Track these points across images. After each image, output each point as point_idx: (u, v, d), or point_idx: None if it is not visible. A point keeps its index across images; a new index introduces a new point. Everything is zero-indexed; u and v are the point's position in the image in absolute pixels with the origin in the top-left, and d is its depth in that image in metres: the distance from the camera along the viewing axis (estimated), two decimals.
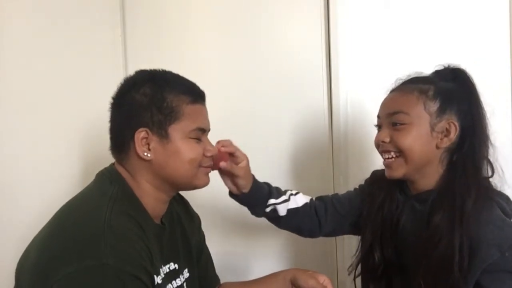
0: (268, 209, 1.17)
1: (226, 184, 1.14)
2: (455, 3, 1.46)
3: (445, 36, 1.46)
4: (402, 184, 1.09)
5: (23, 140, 1.41)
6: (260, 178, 1.53)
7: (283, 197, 1.18)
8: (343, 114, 1.50)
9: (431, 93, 0.99)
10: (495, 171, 1.02)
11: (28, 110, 1.41)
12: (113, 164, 0.97)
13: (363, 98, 1.49)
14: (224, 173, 1.10)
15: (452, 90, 1.00)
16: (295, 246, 1.55)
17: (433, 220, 0.98)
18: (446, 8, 1.46)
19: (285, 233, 1.54)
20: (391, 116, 1.01)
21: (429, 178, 1.02)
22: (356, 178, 1.51)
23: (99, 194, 0.90)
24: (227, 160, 1.07)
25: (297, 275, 1.05)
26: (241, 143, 1.52)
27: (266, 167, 1.53)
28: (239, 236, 1.55)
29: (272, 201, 1.16)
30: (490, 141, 1.01)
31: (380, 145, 1.04)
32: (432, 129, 0.99)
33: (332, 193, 1.52)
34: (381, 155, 1.06)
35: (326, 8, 1.49)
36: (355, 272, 1.17)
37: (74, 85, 1.46)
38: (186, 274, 1.03)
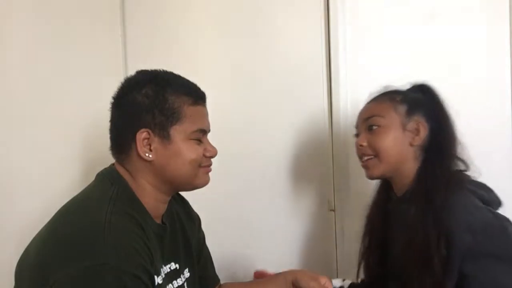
0: None
1: None
2: (455, 3, 1.46)
3: (445, 36, 1.46)
4: (388, 191, 1.17)
5: (23, 140, 1.40)
6: (260, 178, 1.54)
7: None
8: (343, 114, 1.50)
9: (399, 98, 1.11)
10: (468, 166, 1.10)
11: (28, 110, 1.41)
12: (113, 164, 0.97)
13: (363, 98, 1.49)
14: None
15: (419, 98, 1.13)
16: (295, 246, 1.55)
17: (408, 217, 1.06)
18: (446, 8, 1.46)
19: (285, 233, 1.55)
20: (367, 121, 1.12)
21: (407, 176, 1.10)
22: (356, 178, 1.51)
23: (99, 194, 0.90)
24: None
25: (298, 277, 1.05)
26: (241, 143, 1.53)
27: (266, 167, 1.54)
28: (239, 236, 1.55)
29: None
30: (458, 140, 1.10)
31: (358, 150, 1.14)
32: (404, 128, 1.09)
33: (332, 193, 1.53)
34: (360, 159, 1.15)
35: (326, 8, 1.49)
36: (358, 271, 1.24)
37: (74, 85, 1.45)
38: (186, 274, 1.03)
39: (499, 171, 1.46)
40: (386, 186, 1.19)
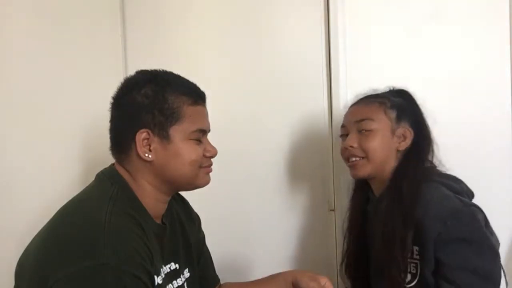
0: None
1: None
2: (455, 3, 1.46)
3: (445, 36, 1.46)
4: (367, 192, 1.23)
5: (23, 140, 1.40)
6: (260, 178, 1.54)
7: None
8: (343, 114, 1.50)
9: (388, 104, 1.17)
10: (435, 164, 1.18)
11: (28, 110, 1.41)
12: (113, 164, 0.97)
13: None
14: None
15: (403, 104, 1.19)
16: (295, 246, 1.55)
17: (380, 208, 1.13)
18: (446, 9, 1.46)
19: (285, 233, 1.55)
20: (359, 123, 1.16)
21: (385, 176, 1.16)
22: None
23: (99, 194, 0.90)
24: None
25: (298, 277, 1.05)
26: (241, 144, 1.53)
27: (266, 167, 1.54)
28: (239, 236, 1.55)
29: None
30: (433, 144, 1.18)
31: (347, 150, 1.17)
32: (393, 133, 1.15)
33: (332, 193, 1.53)
34: (346, 159, 1.19)
35: (326, 8, 1.49)
36: (343, 265, 1.30)
37: (74, 85, 1.45)
38: (186, 274, 1.03)
39: (499, 171, 1.46)
40: (364, 188, 1.24)
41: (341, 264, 1.30)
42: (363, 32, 1.49)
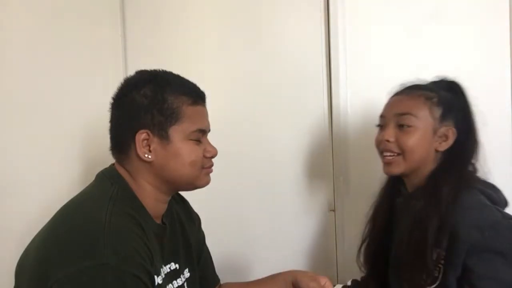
0: None
1: None
2: (455, 3, 1.46)
3: (445, 36, 1.46)
4: (400, 186, 1.16)
5: (23, 140, 1.40)
6: (260, 178, 1.54)
7: None
8: (343, 114, 1.50)
9: (435, 100, 1.07)
10: (478, 170, 1.10)
11: (28, 109, 1.41)
12: (113, 164, 0.97)
13: (363, 98, 1.49)
14: None
15: (452, 100, 1.09)
16: (295, 246, 1.55)
17: (413, 208, 1.07)
18: (446, 9, 1.46)
19: (285, 233, 1.55)
20: (399, 117, 1.08)
21: (422, 175, 1.09)
22: (356, 178, 1.52)
23: (99, 194, 0.90)
24: None
25: (298, 277, 1.05)
26: (241, 144, 1.53)
27: (266, 167, 1.54)
28: (239, 236, 1.55)
29: None
30: (479, 146, 1.10)
31: (382, 143, 1.10)
32: (434, 133, 1.07)
33: (332, 193, 1.53)
34: (381, 153, 1.12)
35: (326, 8, 1.49)
36: (358, 254, 1.25)
37: (74, 85, 1.45)
38: (186, 274, 1.03)
39: (499, 170, 1.45)
40: (397, 181, 1.17)
41: (358, 252, 1.25)
42: (363, 32, 1.49)
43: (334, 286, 1.20)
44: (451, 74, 1.47)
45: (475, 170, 1.10)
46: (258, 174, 1.54)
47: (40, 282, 0.78)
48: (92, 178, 0.97)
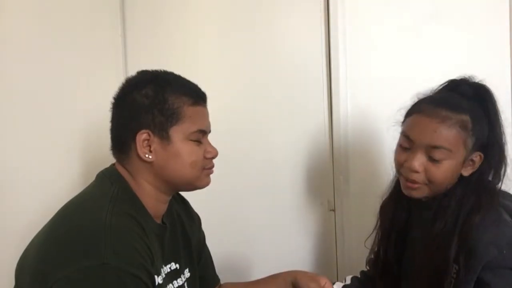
0: None
1: None
2: (455, 3, 1.46)
3: (445, 36, 1.46)
4: None
5: (23, 140, 1.40)
6: (260, 178, 1.54)
7: None
8: (343, 114, 1.50)
9: (469, 126, 0.98)
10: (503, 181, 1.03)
11: (28, 110, 1.41)
12: (114, 164, 0.97)
13: (363, 98, 1.49)
14: None
15: (483, 121, 1.00)
16: (295, 246, 1.55)
17: (434, 229, 1.00)
18: (446, 9, 1.46)
19: (285, 233, 1.55)
20: (432, 150, 0.98)
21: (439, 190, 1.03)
22: (356, 178, 1.52)
23: (99, 194, 0.90)
24: None
25: (298, 277, 1.05)
26: (241, 144, 1.53)
27: (266, 167, 1.54)
28: (239, 236, 1.55)
29: None
30: (506, 160, 1.02)
31: (407, 170, 1.01)
32: (464, 161, 1.00)
33: (332, 193, 1.53)
34: (404, 178, 1.03)
35: (326, 8, 1.49)
36: (371, 261, 1.22)
37: (74, 85, 1.45)
38: (187, 274, 1.03)
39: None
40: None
41: (370, 258, 1.21)
42: (363, 32, 1.49)
43: (333, 283, 1.19)
44: (450, 74, 1.48)
45: (497, 179, 1.03)
46: (258, 174, 1.54)
47: (40, 282, 0.78)
48: (92, 178, 0.97)
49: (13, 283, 0.89)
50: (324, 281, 1.02)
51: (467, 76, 1.04)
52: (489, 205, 0.98)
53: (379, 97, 1.48)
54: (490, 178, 1.02)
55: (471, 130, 0.98)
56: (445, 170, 0.99)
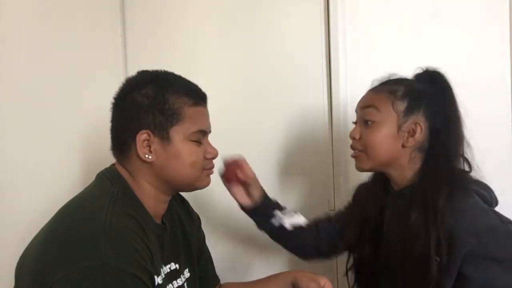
0: (275, 221, 1.20)
1: (238, 197, 1.20)
2: (455, 3, 1.46)
3: (445, 35, 1.46)
4: (385, 183, 1.12)
5: (23, 140, 1.40)
6: (260, 177, 1.53)
7: (289, 211, 1.23)
8: (343, 113, 1.50)
9: (399, 93, 1.04)
10: (472, 166, 1.05)
11: (28, 110, 1.41)
12: (114, 164, 0.97)
13: None
14: (236, 186, 1.18)
15: (423, 91, 1.05)
16: None
17: (409, 220, 1.02)
18: (446, 8, 1.46)
19: None
20: (363, 110, 1.07)
21: (404, 174, 1.06)
22: (356, 178, 1.51)
23: (99, 194, 0.90)
24: (240, 173, 1.15)
25: (298, 278, 1.05)
26: (241, 144, 1.53)
27: (266, 167, 1.54)
28: (239, 236, 1.55)
29: (278, 212, 1.21)
30: (466, 139, 1.05)
31: (352, 141, 1.09)
32: (399, 128, 1.03)
33: (332, 193, 1.53)
34: (352, 148, 1.11)
35: (326, 8, 1.49)
36: (346, 267, 1.22)
37: (74, 85, 1.46)
38: (186, 274, 1.03)
39: (499, 171, 1.45)
40: (383, 178, 1.12)
41: (348, 260, 1.21)
42: (363, 32, 1.49)
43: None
44: (451, 74, 1.48)
45: (470, 168, 1.05)
46: (258, 173, 1.53)
47: (40, 282, 0.78)
48: (92, 178, 0.97)
49: (13, 283, 0.89)
50: (324, 281, 1.02)
51: (427, 66, 1.10)
52: (463, 192, 0.99)
53: None
54: (454, 162, 1.03)
55: (402, 95, 1.03)
56: (377, 133, 1.03)
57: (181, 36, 1.55)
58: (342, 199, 1.51)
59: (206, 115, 0.98)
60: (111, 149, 0.96)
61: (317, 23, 1.51)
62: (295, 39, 1.52)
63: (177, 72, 0.98)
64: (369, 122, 1.05)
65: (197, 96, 0.95)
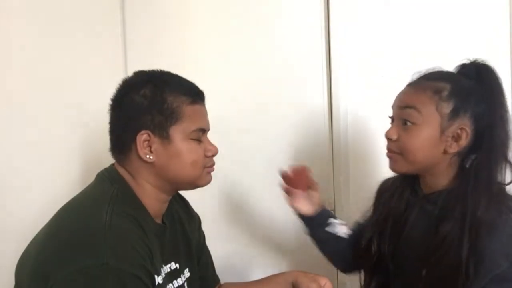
0: (329, 229, 1.17)
1: (301, 205, 1.18)
2: (455, 3, 1.46)
3: (445, 36, 1.46)
4: (414, 183, 1.06)
5: (23, 140, 1.40)
6: (260, 178, 1.54)
7: (340, 220, 1.20)
8: (343, 114, 1.50)
9: (445, 93, 0.94)
10: None
11: (28, 110, 1.41)
12: (113, 164, 0.97)
13: (363, 98, 1.49)
14: (301, 193, 1.17)
15: (470, 90, 0.95)
16: (295, 246, 1.55)
17: (442, 228, 0.94)
18: (446, 8, 1.46)
19: (285, 233, 1.55)
20: (402, 110, 0.97)
21: (439, 179, 0.99)
22: (356, 178, 1.52)
23: (99, 194, 0.90)
24: (306, 182, 1.16)
25: (299, 278, 1.05)
26: (241, 144, 1.53)
27: (266, 167, 1.54)
28: (239, 236, 1.55)
29: (335, 221, 1.18)
30: (510, 144, 0.95)
31: (387, 140, 1.01)
32: (442, 132, 0.94)
33: (332, 193, 1.53)
34: (386, 148, 1.03)
35: (326, 8, 1.49)
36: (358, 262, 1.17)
37: (74, 85, 1.45)
38: (187, 273, 1.03)
39: None
40: (412, 176, 1.05)
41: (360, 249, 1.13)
42: (363, 31, 1.49)
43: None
44: None
45: (502, 179, 0.95)
46: (258, 174, 1.54)
47: (40, 282, 0.78)
48: (92, 178, 0.97)
49: (13, 283, 0.89)
50: (324, 281, 1.02)
51: (475, 58, 1.00)
52: (500, 207, 0.91)
53: (379, 97, 1.47)
54: (496, 171, 0.94)
55: (447, 96, 0.93)
56: (417, 137, 0.94)
57: (181, 36, 1.54)
58: (342, 199, 1.52)
59: (204, 113, 0.98)
60: (110, 150, 0.96)
61: (317, 23, 1.51)
62: (295, 39, 1.52)
63: (177, 72, 0.98)
64: (408, 123, 0.95)
65: (195, 95, 0.95)
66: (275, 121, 1.53)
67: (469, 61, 1.00)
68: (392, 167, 1.02)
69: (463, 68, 1.00)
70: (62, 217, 0.89)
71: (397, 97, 1.01)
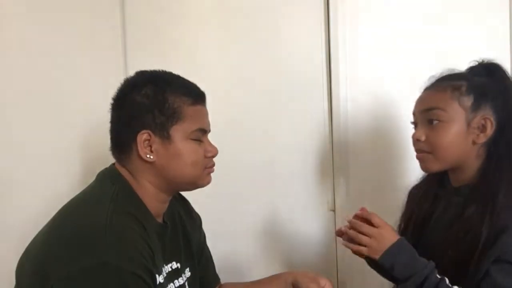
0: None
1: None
2: (455, 3, 1.46)
3: (445, 36, 1.46)
4: (442, 179, 1.09)
5: (23, 140, 1.40)
6: (260, 178, 1.54)
7: None
8: (343, 114, 1.50)
9: (464, 88, 0.99)
10: None
11: (28, 109, 1.41)
12: (114, 164, 0.97)
13: (363, 98, 1.49)
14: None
15: (485, 85, 1.00)
16: (295, 246, 1.55)
17: (465, 214, 0.98)
18: (446, 8, 1.46)
19: (285, 233, 1.55)
20: (427, 112, 1.01)
21: (468, 172, 1.02)
22: (356, 178, 1.52)
23: (100, 194, 0.90)
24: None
25: (299, 278, 1.05)
26: (241, 144, 1.53)
27: (266, 167, 1.54)
28: (239, 236, 1.55)
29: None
30: None
31: (415, 143, 1.04)
32: (469, 125, 0.98)
33: (332, 193, 1.53)
34: (415, 151, 1.05)
35: (326, 8, 1.49)
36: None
37: (74, 85, 1.45)
38: (187, 273, 1.03)
39: None
40: (441, 175, 1.09)
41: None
42: (363, 31, 1.49)
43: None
44: None
45: None
46: (258, 174, 1.54)
47: (41, 282, 0.78)
48: (92, 178, 0.97)
49: (13, 282, 0.89)
50: (324, 281, 1.02)
51: (482, 59, 1.06)
52: None
53: (379, 97, 1.48)
54: None
55: (466, 90, 0.98)
56: (446, 133, 0.98)
57: (181, 36, 1.54)
58: (342, 199, 1.52)
59: (205, 114, 0.98)
60: (111, 150, 0.96)
61: (317, 23, 1.51)
62: (295, 39, 1.52)
63: (177, 72, 0.98)
64: (435, 122, 0.99)
65: (196, 95, 0.96)
66: (275, 121, 1.53)
67: (476, 63, 1.06)
68: (423, 167, 1.05)
69: (472, 69, 1.06)
70: (63, 216, 0.89)
71: (417, 102, 1.06)
